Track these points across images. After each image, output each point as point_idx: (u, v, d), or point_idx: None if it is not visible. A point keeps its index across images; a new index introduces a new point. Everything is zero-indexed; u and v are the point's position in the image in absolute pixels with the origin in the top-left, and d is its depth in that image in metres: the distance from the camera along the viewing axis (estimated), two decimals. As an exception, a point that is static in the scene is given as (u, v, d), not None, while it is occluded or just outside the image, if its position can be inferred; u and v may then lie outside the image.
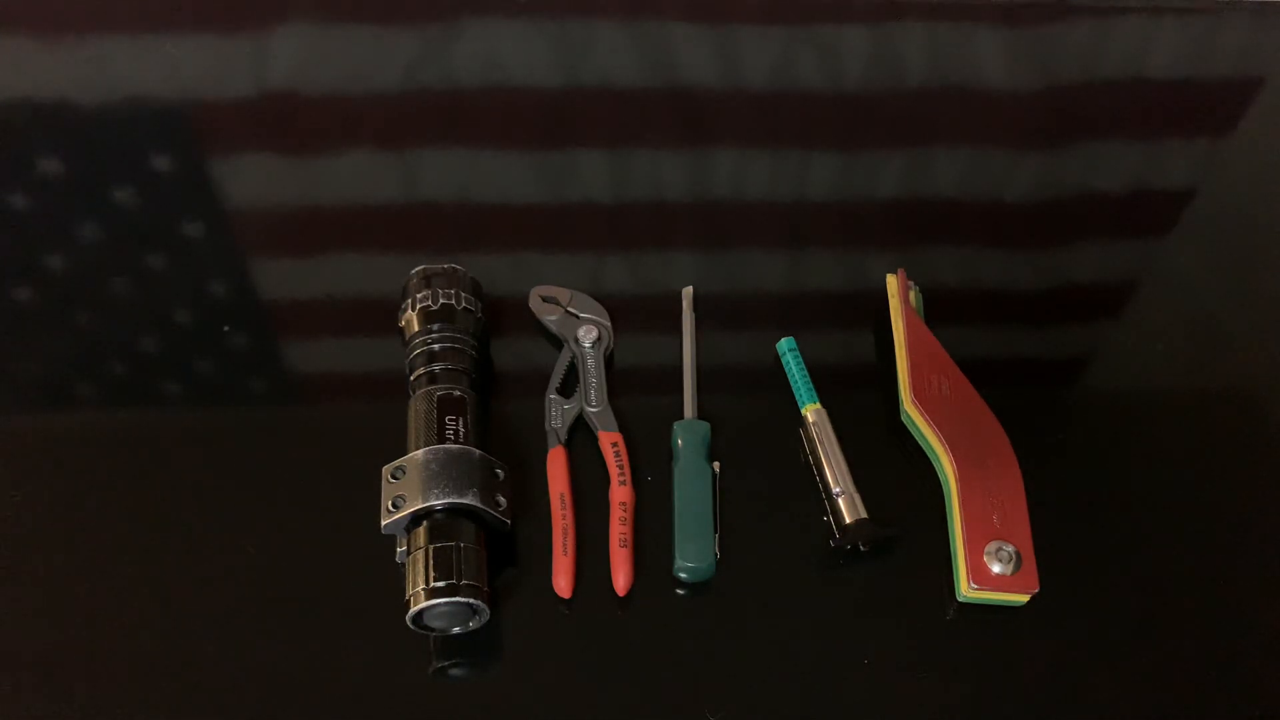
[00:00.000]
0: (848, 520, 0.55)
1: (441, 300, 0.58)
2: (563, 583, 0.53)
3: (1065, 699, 0.52)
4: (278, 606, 0.53)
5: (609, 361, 0.62)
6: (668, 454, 0.58)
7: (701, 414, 0.59)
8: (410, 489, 0.52)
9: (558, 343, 0.62)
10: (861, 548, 0.55)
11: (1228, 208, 0.73)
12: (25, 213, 0.67)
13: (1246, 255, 0.71)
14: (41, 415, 0.59)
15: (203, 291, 0.64)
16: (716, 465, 0.57)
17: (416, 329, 0.58)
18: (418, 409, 0.55)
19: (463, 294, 0.58)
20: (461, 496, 0.51)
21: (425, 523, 0.51)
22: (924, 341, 0.60)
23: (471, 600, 0.49)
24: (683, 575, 0.54)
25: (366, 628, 0.52)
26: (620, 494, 0.56)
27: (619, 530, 0.55)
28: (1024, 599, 0.54)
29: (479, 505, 0.52)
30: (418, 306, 0.58)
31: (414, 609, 0.49)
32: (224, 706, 0.50)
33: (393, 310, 0.60)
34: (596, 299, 0.63)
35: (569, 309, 0.63)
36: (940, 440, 0.57)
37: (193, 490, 0.56)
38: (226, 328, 0.63)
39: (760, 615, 0.54)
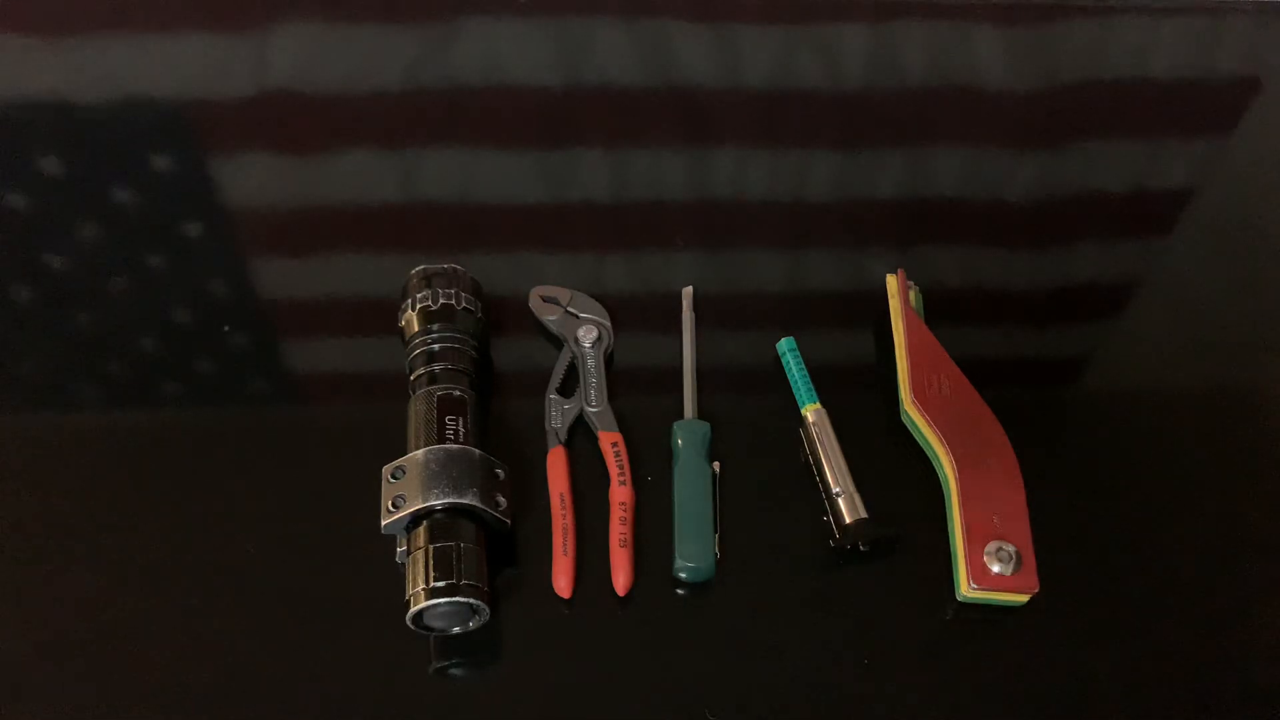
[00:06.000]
0: (848, 520, 0.55)
1: (441, 300, 0.58)
2: (563, 583, 0.53)
3: (1065, 699, 0.52)
4: (278, 606, 0.53)
5: (609, 361, 0.62)
6: (668, 454, 0.58)
7: (701, 414, 0.59)
8: (410, 489, 0.52)
9: (558, 343, 0.62)
10: (861, 548, 0.55)
11: (1228, 208, 0.73)
12: (25, 213, 0.67)
13: (1246, 255, 0.71)
14: (42, 415, 0.59)
15: (203, 291, 0.64)
16: (716, 465, 0.57)
17: (416, 329, 0.58)
18: (418, 409, 0.55)
19: (463, 294, 0.58)
20: (461, 496, 0.51)
21: (425, 523, 0.51)
22: (924, 341, 0.60)
23: (471, 600, 0.49)
24: (683, 575, 0.54)
25: (366, 628, 0.52)
26: (620, 494, 0.56)
27: (619, 530, 0.55)
28: (1024, 599, 0.54)
29: (479, 505, 0.52)
30: (418, 306, 0.58)
31: (414, 609, 0.49)
32: (224, 706, 0.50)
33: (393, 310, 0.60)
34: (596, 299, 0.63)
35: (569, 309, 0.63)
36: (940, 440, 0.57)
37: (193, 490, 0.56)
38: (226, 328, 0.63)
39: (760, 615, 0.54)
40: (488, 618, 0.51)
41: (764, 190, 0.71)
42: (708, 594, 0.55)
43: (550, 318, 0.62)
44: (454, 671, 0.52)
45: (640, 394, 0.61)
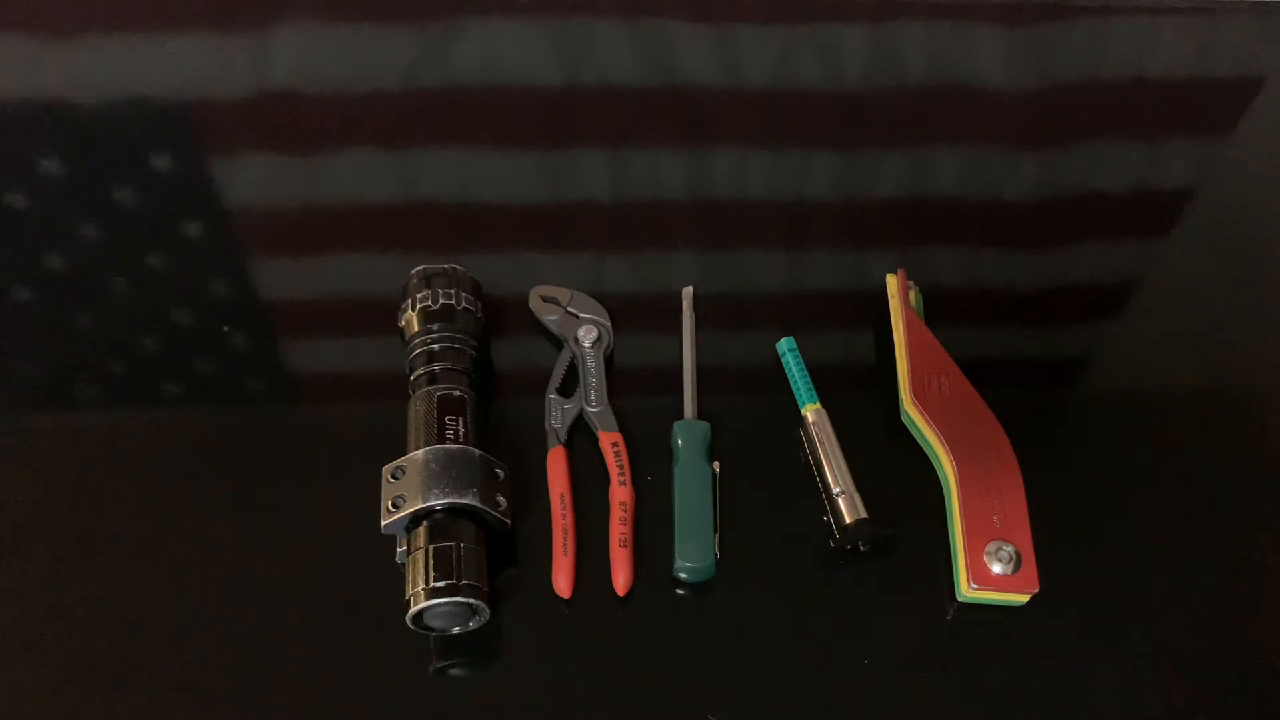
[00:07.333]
0: (848, 520, 0.55)
1: (441, 300, 0.58)
2: (563, 583, 0.53)
3: (1065, 699, 0.52)
4: (278, 606, 0.53)
5: (609, 361, 0.62)
6: (668, 454, 0.58)
7: (701, 414, 0.59)
8: (410, 489, 0.52)
9: (558, 343, 0.62)
10: (861, 548, 0.55)
11: (1228, 208, 0.73)
12: (25, 213, 0.67)
13: (1246, 255, 0.71)
14: (42, 415, 0.59)
15: (203, 291, 0.64)
16: (716, 465, 0.57)
17: (416, 329, 0.58)
18: (418, 409, 0.55)
19: (463, 294, 0.58)
20: (461, 496, 0.51)
21: (425, 523, 0.51)
22: (924, 341, 0.60)
23: (471, 600, 0.49)
24: (683, 575, 0.54)
25: (366, 628, 0.52)
26: (620, 494, 0.56)
27: (619, 530, 0.55)
28: (1024, 599, 0.54)
29: (479, 505, 0.52)
30: (418, 306, 0.58)
31: (414, 609, 0.49)
32: (224, 706, 0.50)
33: (393, 310, 0.60)
34: (596, 299, 0.63)
35: (569, 309, 0.63)
36: (940, 440, 0.57)
37: (193, 490, 0.56)
38: (226, 328, 0.63)
39: (760, 615, 0.54)
40: (488, 618, 0.51)
41: (764, 190, 0.71)
42: (708, 594, 0.55)
43: (550, 318, 0.62)
44: (454, 671, 0.52)
45: (640, 394, 0.61)
